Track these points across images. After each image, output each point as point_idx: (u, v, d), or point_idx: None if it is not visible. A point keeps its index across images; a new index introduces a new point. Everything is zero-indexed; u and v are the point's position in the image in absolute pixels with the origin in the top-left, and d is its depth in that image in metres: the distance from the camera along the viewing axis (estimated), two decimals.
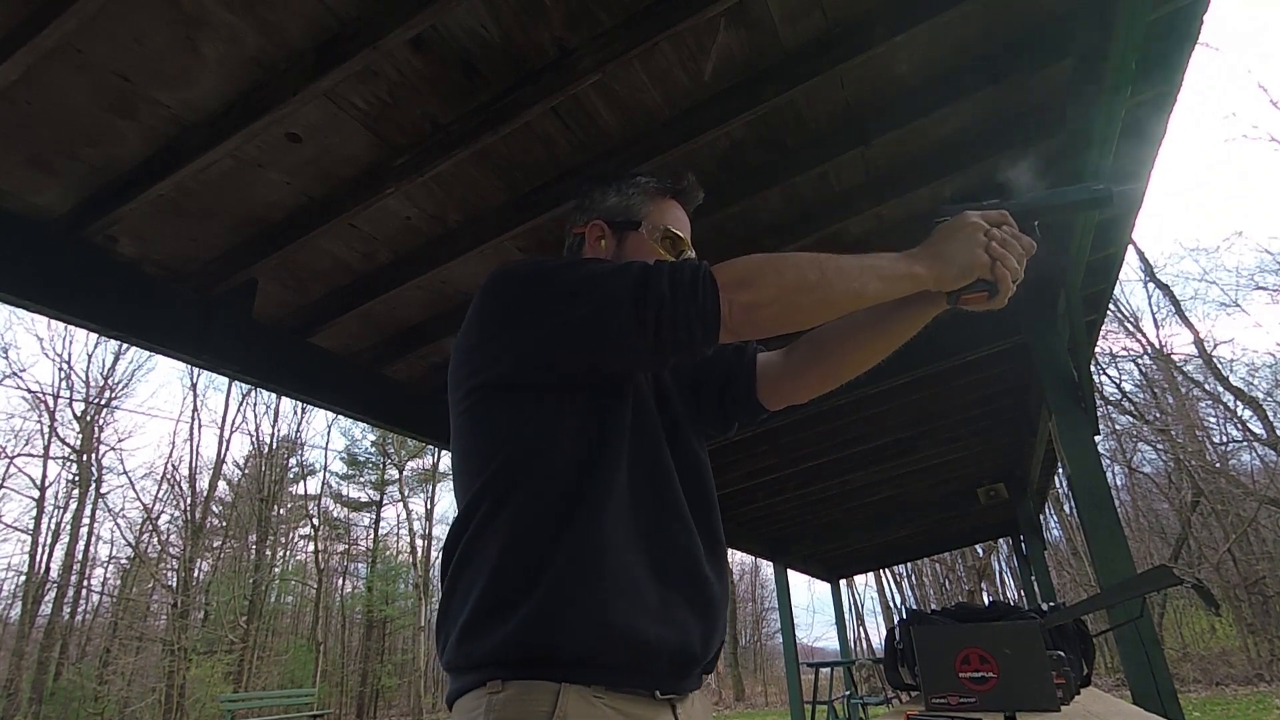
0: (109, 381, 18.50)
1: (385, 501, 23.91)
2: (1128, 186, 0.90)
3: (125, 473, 24.10)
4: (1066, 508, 15.09)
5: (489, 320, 0.87)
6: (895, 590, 20.29)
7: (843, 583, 9.75)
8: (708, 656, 0.84)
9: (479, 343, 0.87)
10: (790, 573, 7.43)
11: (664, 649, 0.77)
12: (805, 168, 1.86)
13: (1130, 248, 2.63)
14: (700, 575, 0.84)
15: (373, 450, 23.60)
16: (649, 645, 0.76)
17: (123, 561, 19.06)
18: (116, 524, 19.69)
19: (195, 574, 18.37)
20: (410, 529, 23.35)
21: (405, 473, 23.64)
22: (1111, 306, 8.34)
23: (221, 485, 20.64)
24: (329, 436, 41.13)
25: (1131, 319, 14.42)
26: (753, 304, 0.77)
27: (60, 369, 20.16)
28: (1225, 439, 14.04)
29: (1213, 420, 14.28)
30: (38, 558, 16.76)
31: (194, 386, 23.99)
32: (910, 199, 2.09)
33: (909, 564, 18.77)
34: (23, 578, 16.82)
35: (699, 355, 0.81)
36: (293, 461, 22.21)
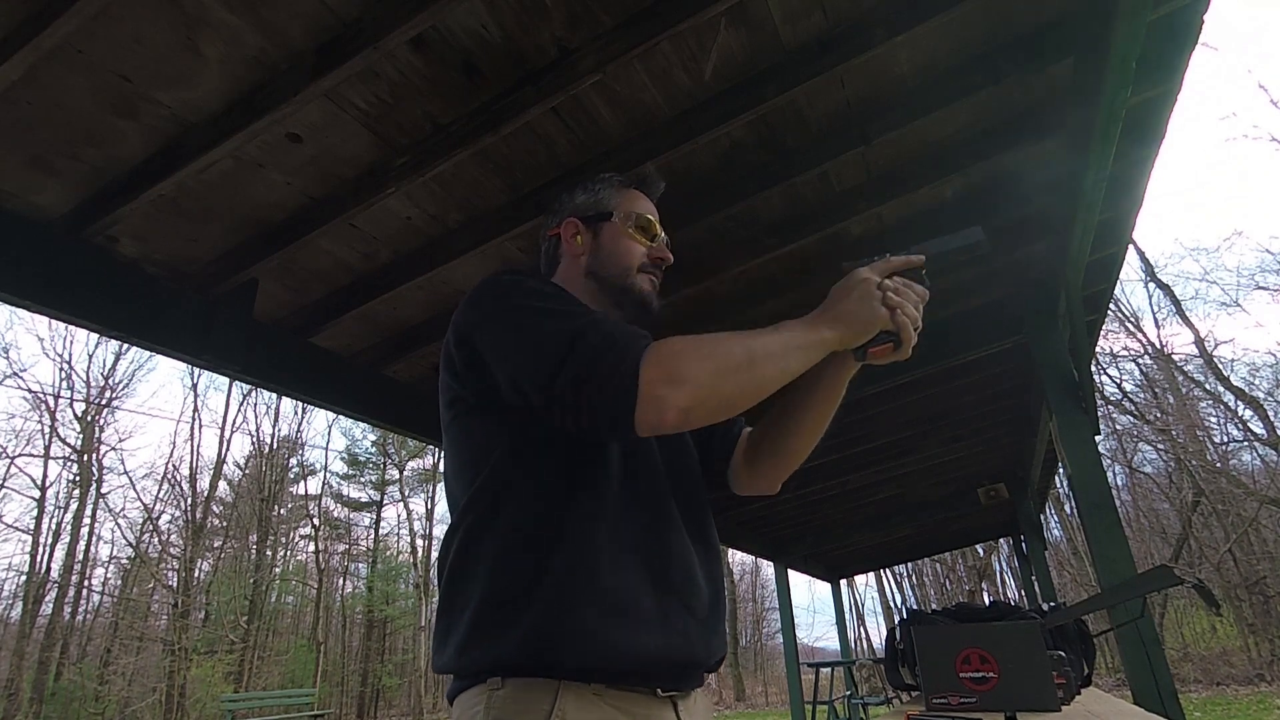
0: (109, 381, 18.52)
1: (386, 501, 23.95)
2: (984, 240, 0.93)
3: (126, 473, 24.17)
4: (1067, 508, 15.09)
5: (463, 337, 0.87)
6: (896, 590, 20.30)
7: (843, 583, 9.74)
8: (710, 660, 0.85)
9: (453, 356, 0.88)
10: (790, 573, 7.43)
11: (666, 658, 0.77)
12: (805, 168, 1.86)
13: (1131, 247, 2.63)
14: (698, 581, 0.85)
15: (373, 450, 23.63)
16: (651, 657, 0.76)
17: (123, 561, 19.10)
18: (117, 524, 19.74)
19: (196, 574, 18.37)
20: (411, 529, 23.37)
21: (406, 473, 23.67)
22: (1112, 306, 8.34)
23: (222, 485, 20.66)
24: (329, 436, 41.22)
25: (1132, 319, 14.42)
26: (687, 407, 0.72)
27: (61, 369, 20.19)
28: (1226, 439, 14.05)
29: (1213, 420, 14.30)
30: (38, 558, 16.78)
31: (194, 387, 24.09)
32: (910, 199, 2.09)
33: (909, 564, 18.77)
34: (23, 578, 16.84)
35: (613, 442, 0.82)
36: (293, 461, 22.24)
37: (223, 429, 20.32)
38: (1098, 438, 2.50)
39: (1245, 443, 13.52)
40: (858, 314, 0.83)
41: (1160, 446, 13.96)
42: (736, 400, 0.76)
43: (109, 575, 19.28)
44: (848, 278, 0.87)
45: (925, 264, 0.91)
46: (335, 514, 23.55)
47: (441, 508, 22.86)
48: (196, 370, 16.74)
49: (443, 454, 0.93)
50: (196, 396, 26.25)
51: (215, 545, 19.99)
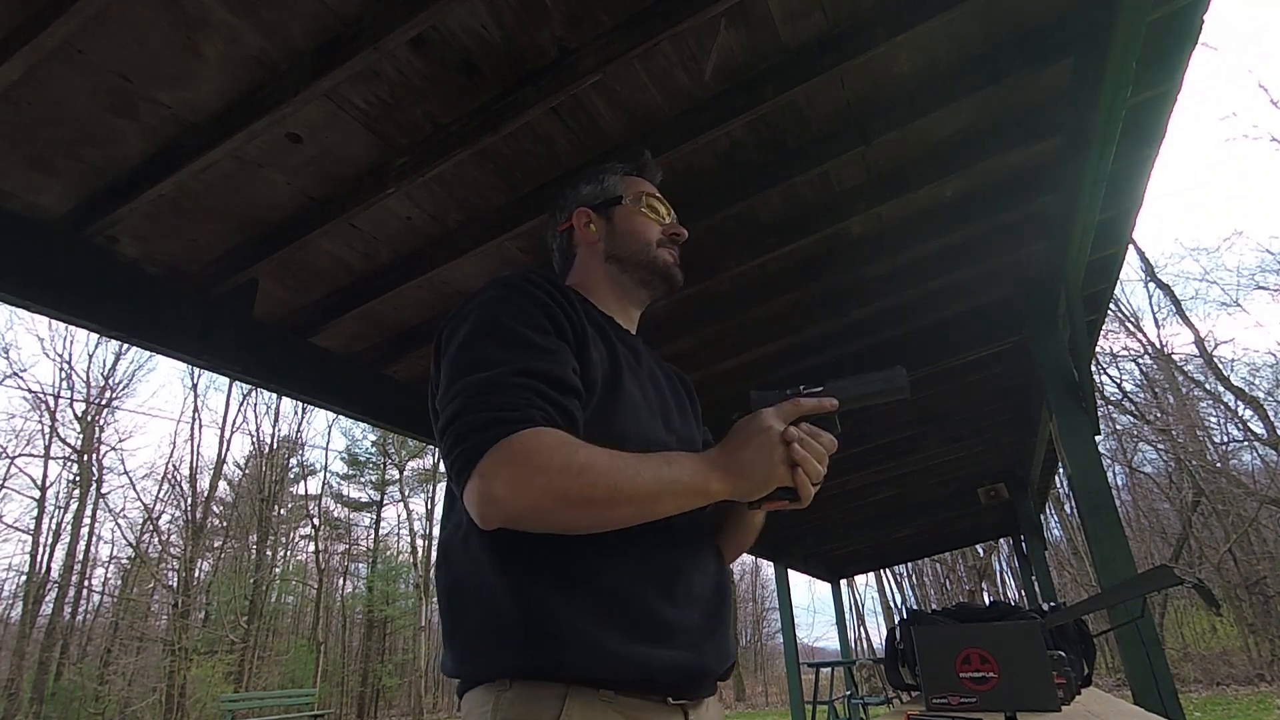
0: (110, 382, 18.53)
1: (386, 501, 23.96)
2: (906, 385, 0.84)
3: (126, 473, 24.21)
4: (1067, 507, 15.09)
5: (438, 359, 0.86)
6: (896, 590, 20.30)
7: (843, 583, 9.74)
8: (721, 668, 0.84)
9: (432, 371, 0.88)
10: (791, 573, 7.43)
11: (676, 668, 0.76)
12: (805, 168, 1.86)
13: (1131, 247, 2.63)
14: (705, 590, 0.84)
15: (373, 450, 23.65)
16: (661, 667, 0.75)
17: (123, 561, 19.11)
18: (117, 524, 19.76)
19: (196, 574, 18.38)
20: (411, 529, 23.39)
21: (406, 473, 23.68)
22: (1112, 306, 8.35)
23: (222, 485, 20.67)
24: (329, 436, 41.27)
25: (1132, 319, 14.43)
26: (513, 518, 0.70)
27: (61, 369, 20.20)
28: (1226, 439, 14.05)
29: (1213, 420, 14.30)
30: (38, 558, 16.79)
31: (194, 387, 24.10)
32: (910, 199, 2.09)
33: (909, 564, 18.77)
34: (24, 578, 16.85)
35: None
36: (293, 461, 22.25)
37: (223, 429, 20.35)
38: (1098, 438, 2.50)
39: (1245, 443, 13.53)
40: (753, 469, 0.77)
41: (1160, 446, 13.96)
42: (576, 528, 0.73)
43: (109, 575, 19.31)
44: (751, 420, 0.80)
45: (839, 408, 0.83)
46: (335, 514, 23.58)
47: (441, 508, 22.85)
48: (196, 370, 16.77)
49: None
50: (196, 396, 26.29)
51: (215, 545, 19.99)
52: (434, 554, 0.91)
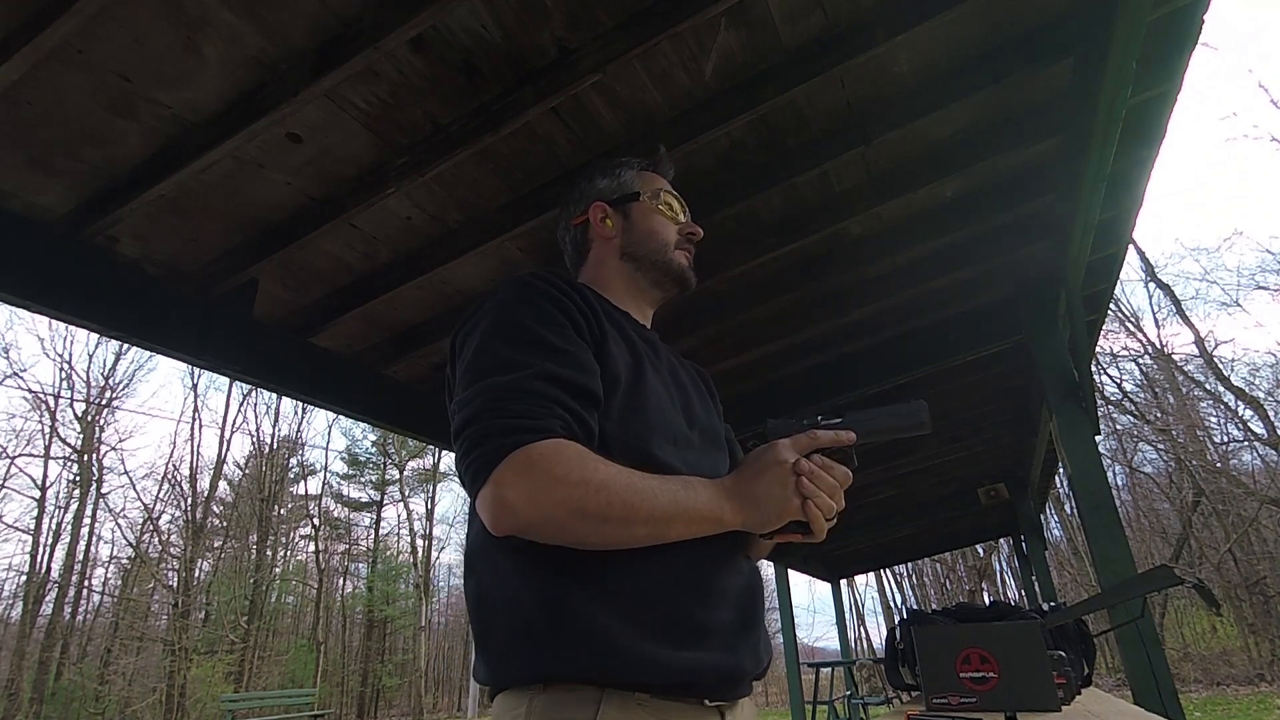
0: (110, 382, 18.53)
1: (386, 501, 23.98)
2: (926, 420, 0.82)
3: (126, 473, 24.22)
4: (1067, 507, 15.09)
5: (453, 362, 0.86)
6: (896, 590, 20.30)
7: (843, 583, 9.74)
8: (758, 669, 0.83)
9: (449, 376, 0.87)
10: (790, 573, 7.43)
11: (713, 670, 0.75)
12: (805, 168, 1.86)
13: (1131, 247, 2.63)
14: (740, 591, 0.83)
15: (373, 450, 23.66)
16: (697, 670, 0.73)
17: (123, 561, 19.10)
18: (117, 524, 19.73)
19: (196, 574, 18.38)
20: (411, 529, 23.42)
21: (406, 473, 23.70)
22: (1112, 306, 8.34)
23: (222, 485, 20.67)
24: (329, 436, 41.23)
25: (1132, 319, 14.44)
26: (523, 527, 0.70)
27: (61, 369, 20.16)
28: (1226, 439, 14.05)
29: (1214, 420, 14.30)
30: (39, 558, 16.77)
31: (195, 387, 24.10)
32: (910, 199, 2.09)
33: (910, 564, 18.77)
34: (24, 578, 16.84)
35: None
36: (293, 461, 22.26)
37: (223, 429, 20.35)
38: (1098, 438, 2.50)
39: (1245, 443, 13.54)
40: (766, 502, 0.76)
41: (1160, 446, 13.97)
42: (585, 543, 0.72)
43: (109, 575, 19.30)
44: (766, 451, 0.79)
45: (856, 442, 0.81)
46: (335, 514, 23.59)
47: (442, 507, 22.92)
48: (196, 370, 16.75)
49: None
50: (196, 396, 26.24)
51: (215, 545, 19.99)
52: (438, 544, 0.90)
